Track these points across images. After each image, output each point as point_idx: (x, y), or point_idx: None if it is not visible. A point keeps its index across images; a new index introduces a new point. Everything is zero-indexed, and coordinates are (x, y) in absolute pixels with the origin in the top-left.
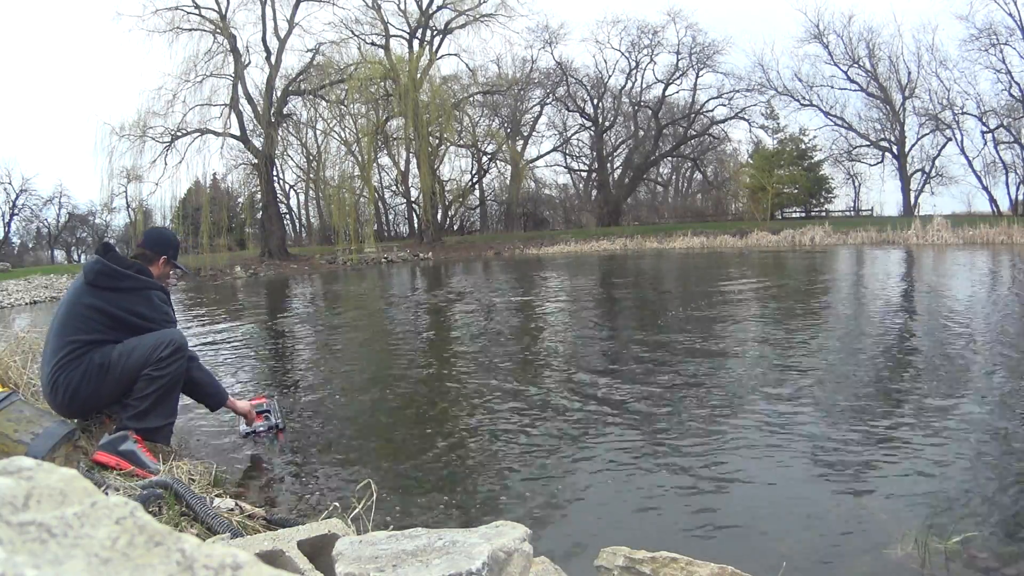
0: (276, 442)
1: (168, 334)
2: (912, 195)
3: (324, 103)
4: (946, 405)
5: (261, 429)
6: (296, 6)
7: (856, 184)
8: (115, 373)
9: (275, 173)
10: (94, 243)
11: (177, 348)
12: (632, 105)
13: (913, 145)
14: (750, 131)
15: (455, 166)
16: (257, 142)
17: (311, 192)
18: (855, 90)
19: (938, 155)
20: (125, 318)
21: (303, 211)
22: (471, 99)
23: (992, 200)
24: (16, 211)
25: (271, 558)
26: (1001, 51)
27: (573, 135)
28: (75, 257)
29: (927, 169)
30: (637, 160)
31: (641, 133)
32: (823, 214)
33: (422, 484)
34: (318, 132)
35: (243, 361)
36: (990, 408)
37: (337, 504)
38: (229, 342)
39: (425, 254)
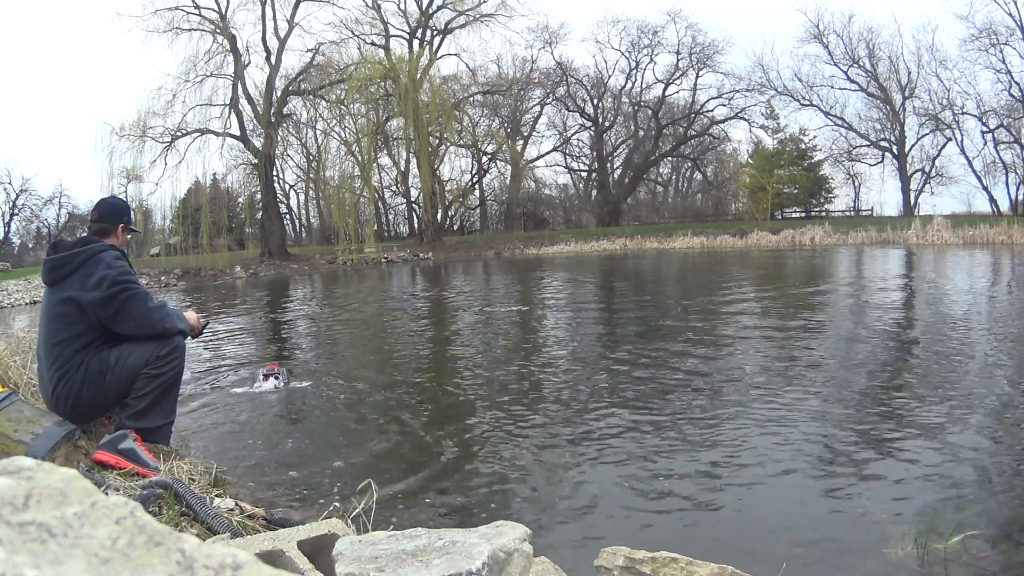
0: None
1: (168, 339)
2: (912, 195)
3: (324, 103)
4: (946, 406)
5: (269, 387)
6: (296, 6)
7: (856, 184)
8: (114, 376)
9: (275, 173)
10: None
11: (175, 348)
12: (632, 105)
13: (913, 145)
14: (750, 131)
15: (455, 166)
16: (257, 142)
17: (311, 192)
18: (855, 90)
19: (938, 155)
20: (92, 297)
21: (303, 211)
22: (471, 99)
23: (992, 200)
24: (16, 211)
25: (271, 558)
26: (1001, 51)
27: (573, 135)
28: None
29: (927, 169)
30: (637, 160)
31: (641, 133)
32: (823, 214)
33: (422, 484)
34: (318, 132)
35: (242, 362)
36: (990, 409)
37: (337, 504)
38: (229, 343)
39: (425, 254)
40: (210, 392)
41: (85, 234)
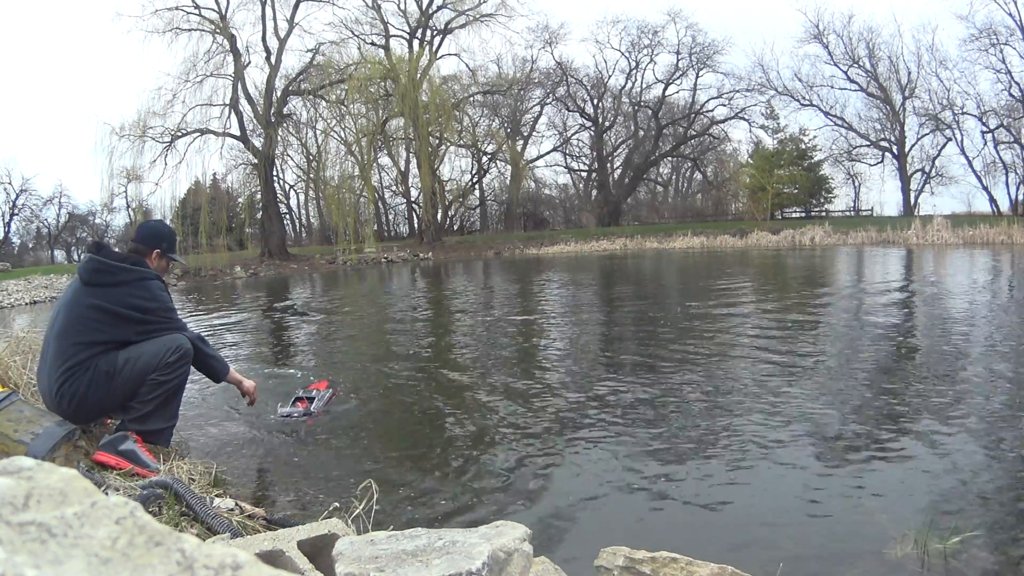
0: (303, 425)
1: (175, 340)
2: (912, 195)
3: (324, 103)
4: (946, 406)
5: (296, 414)
6: (296, 6)
7: (856, 184)
8: (121, 379)
9: (275, 173)
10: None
11: (184, 354)
12: (632, 105)
13: (913, 145)
14: (750, 131)
15: (455, 166)
16: (257, 142)
17: (311, 192)
18: (855, 90)
19: (938, 155)
20: (127, 314)
21: (303, 211)
22: (471, 99)
23: (992, 200)
24: (16, 211)
25: (271, 558)
26: (1001, 51)
27: (573, 135)
28: (75, 257)
29: (927, 169)
30: (637, 160)
31: (641, 133)
32: (823, 214)
33: (422, 484)
34: (318, 132)
35: (242, 364)
36: (990, 409)
37: (337, 504)
38: (228, 345)
39: (425, 254)
40: (211, 392)
41: (130, 250)
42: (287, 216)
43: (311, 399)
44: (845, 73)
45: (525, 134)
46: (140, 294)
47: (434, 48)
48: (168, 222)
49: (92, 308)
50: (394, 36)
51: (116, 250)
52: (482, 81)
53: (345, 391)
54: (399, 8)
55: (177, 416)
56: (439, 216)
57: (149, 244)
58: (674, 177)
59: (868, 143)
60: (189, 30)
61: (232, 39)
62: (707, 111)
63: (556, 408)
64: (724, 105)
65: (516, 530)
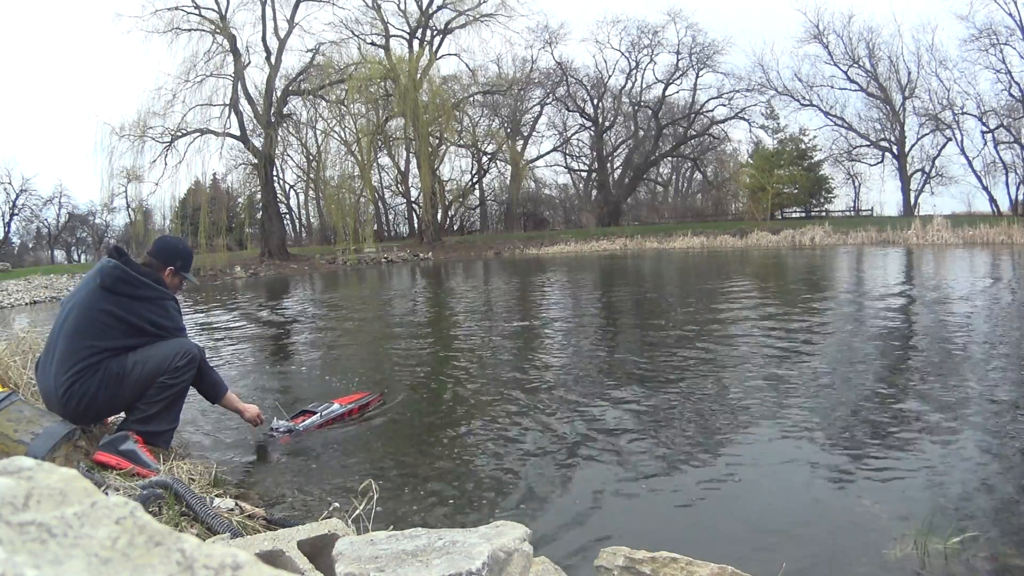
0: (277, 441)
1: (183, 344)
2: (912, 195)
3: (324, 103)
4: (946, 406)
5: (279, 431)
6: (296, 6)
7: (856, 184)
8: (130, 381)
9: (275, 173)
10: (94, 243)
11: (192, 359)
12: (632, 105)
13: (913, 145)
14: (750, 131)
15: (455, 166)
16: (257, 142)
17: (311, 192)
18: (855, 90)
19: (938, 155)
20: (142, 326)
21: (303, 211)
22: (471, 99)
23: (992, 200)
24: (16, 211)
25: (271, 558)
26: (1001, 51)
27: (573, 135)
28: (75, 257)
29: (927, 169)
30: (637, 160)
31: (641, 133)
32: (823, 214)
33: (422, 484)
34: (318, 132)
35: (243, 364)
36: (990, 409)
37: (337, 504)
38: (228, 345)
39: (425, 254)
40: None
41: (143, 263)
42: (287, 216)
43: (314, 414)
44: (845, 73)
45: (525, 134)
46: (157, 312)
47: (434, 48)
48: (168, 222)
49: (108, 314)
50: (394, 36)
51: (136, 260)
52: (482, 81)
53: (344, 392)
54: (399, 8)
55: (179, 420)
56: (439, 216)
57: (164, 260)
58: (674, 177)
59: (868, 143)
60: (189, 30)
61: (232, 39)
62: (707, 111)
63: (556, 409)
64: (724, 105)
65: (516, 530)
